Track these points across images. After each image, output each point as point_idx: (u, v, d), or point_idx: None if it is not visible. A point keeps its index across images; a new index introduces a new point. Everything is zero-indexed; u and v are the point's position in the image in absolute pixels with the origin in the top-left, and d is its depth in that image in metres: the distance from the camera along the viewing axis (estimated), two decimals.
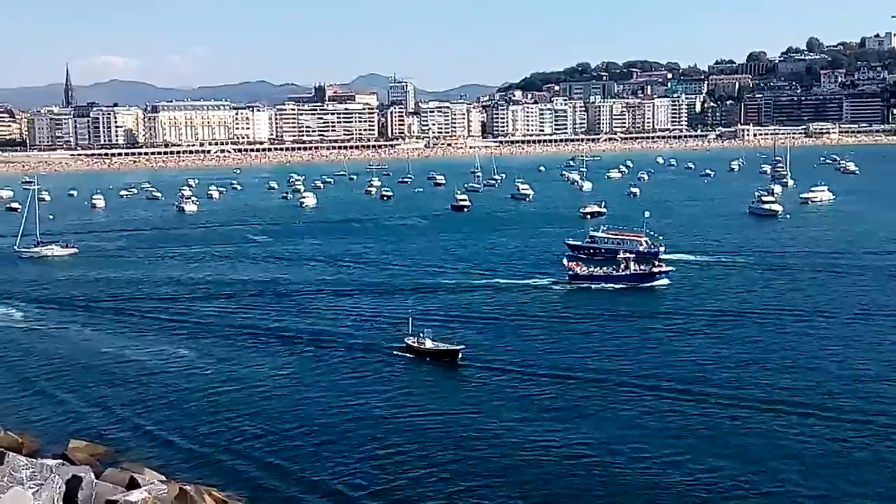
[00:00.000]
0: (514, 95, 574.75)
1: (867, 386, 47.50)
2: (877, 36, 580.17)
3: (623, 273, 78.75)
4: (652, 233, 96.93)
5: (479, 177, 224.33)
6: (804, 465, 37.65)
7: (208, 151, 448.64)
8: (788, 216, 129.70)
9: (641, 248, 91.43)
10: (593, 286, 77.86)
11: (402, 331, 59.48)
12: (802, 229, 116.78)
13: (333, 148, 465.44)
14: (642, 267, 79.42)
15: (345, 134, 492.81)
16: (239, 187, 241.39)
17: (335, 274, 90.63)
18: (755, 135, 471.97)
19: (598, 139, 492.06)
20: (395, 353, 56.86)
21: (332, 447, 41.40)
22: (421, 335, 56.89)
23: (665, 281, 78.33)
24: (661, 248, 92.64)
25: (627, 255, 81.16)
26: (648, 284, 77.75)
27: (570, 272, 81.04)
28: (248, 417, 45.66)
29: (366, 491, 36.58)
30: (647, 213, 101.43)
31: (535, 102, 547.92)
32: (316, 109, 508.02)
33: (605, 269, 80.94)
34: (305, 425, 44.31)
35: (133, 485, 33.58)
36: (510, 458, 39.37)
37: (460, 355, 54.69)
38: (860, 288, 74.95)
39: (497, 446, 40.78)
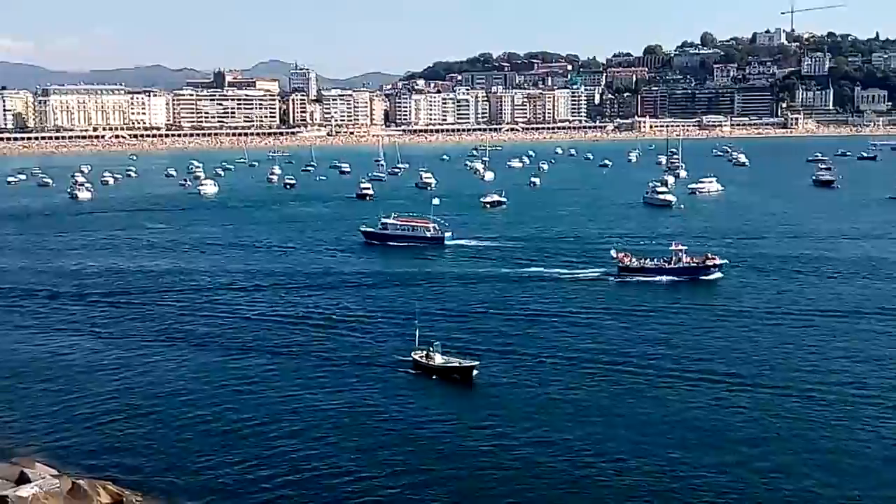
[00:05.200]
0: (417, 84, 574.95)
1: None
2: (767, 32, 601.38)
3: (675, 266, 76.10)
4: (439, 219, 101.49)
5: (382, 165, 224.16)
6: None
7: (102, 137, 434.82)
8: (682, 206, 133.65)
9: (429, 234, 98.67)
10: (644, 279, 75.21)
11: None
12: (695, 219, 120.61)
13: (233, 135, 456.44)
14: (695, 260, 76.55)
15: (245, 121, 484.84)
16: (135, 174, 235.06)
17: (248, 265, 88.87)
18: (651, 126, 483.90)
19: (501, 129, 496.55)
20: (398, 369, 50.98)
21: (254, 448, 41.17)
22: (430, 349, 50.61)
23: (718, 274, 75.61)
24: (448, 234, 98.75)
25: (680, 247, 77.65)
26: (703, 277, 74.98)
27: (620, 264, 77.30)
28: (147, 413, 44.96)
29: None
30: (435, 201, 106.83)
31: (438, 92, 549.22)
32: (215, 95, 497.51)
33: (655, 261, 77.75)
34: (214, 421, 43.93)
35: (23, 479, 32.81)
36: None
37: (475, 372, 48.83)
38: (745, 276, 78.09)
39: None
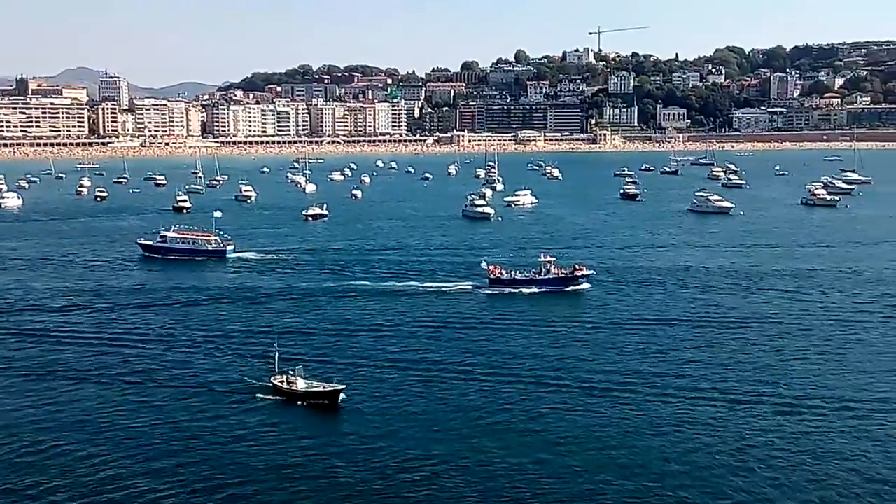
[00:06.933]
0: (235, 95, 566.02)
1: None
2: (576, 51, 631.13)
3: (545, 277, 77.74)
4: (221, 232, 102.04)
5: (200, 178, 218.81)
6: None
7: None
8: (500, 218, 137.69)
9: (210, 247, 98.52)
10: (514, 291, 76.33)
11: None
12: (511, 231, 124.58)
13: (38, 145, 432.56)
14: (564, 271, 78.60)
15: (51, 130, 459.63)
16: None
17: (54, 282, 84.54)
18: (470, 140, 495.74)
19: (322, 141, 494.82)
20: (254, 394, 47.86)
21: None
22: (291, 373, 47.70)
23: (586, 284, 78.00)
24: (230, 247, 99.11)
25: (549, 258, 79.67)
26: (571, 288, 77.18)
27: (491, 276, 78.02)
28: None
29: None
30: (217, 214, 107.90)
31: (258, 103, 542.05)
32: (18, 103, 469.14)
33: (526, 273, 79.07)
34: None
35: None
36: None
37: (342, 396, 46.34)
38: None
39: None
